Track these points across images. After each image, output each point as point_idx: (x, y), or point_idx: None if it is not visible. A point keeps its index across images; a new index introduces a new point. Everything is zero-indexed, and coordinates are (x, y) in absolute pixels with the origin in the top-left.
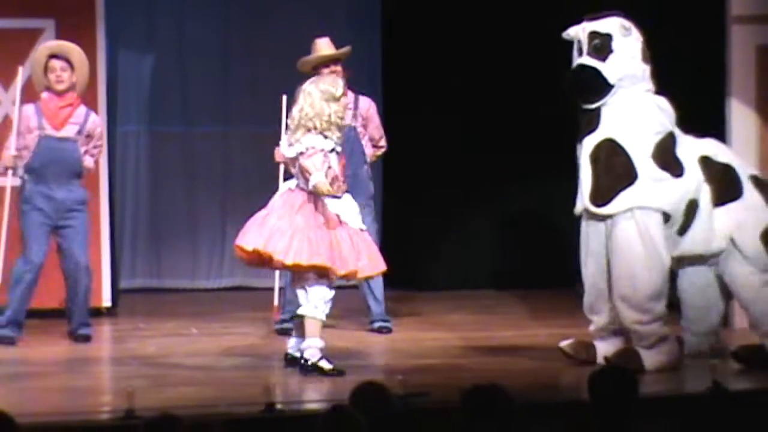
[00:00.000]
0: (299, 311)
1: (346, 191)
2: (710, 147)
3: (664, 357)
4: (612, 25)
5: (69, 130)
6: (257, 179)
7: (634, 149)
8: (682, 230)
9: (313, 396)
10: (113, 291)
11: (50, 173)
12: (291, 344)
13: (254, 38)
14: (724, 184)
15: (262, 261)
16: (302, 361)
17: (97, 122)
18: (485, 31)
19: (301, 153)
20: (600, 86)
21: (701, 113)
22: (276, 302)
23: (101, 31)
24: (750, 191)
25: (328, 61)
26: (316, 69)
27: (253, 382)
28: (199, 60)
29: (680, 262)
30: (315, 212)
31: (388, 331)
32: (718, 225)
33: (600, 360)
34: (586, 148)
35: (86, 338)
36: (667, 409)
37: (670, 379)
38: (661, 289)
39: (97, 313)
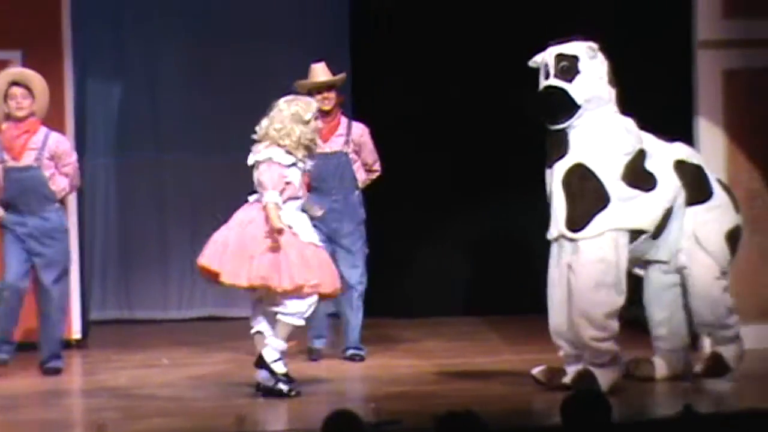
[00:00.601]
0: (277, 315)
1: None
2: (683, 150)
3: (616, 375)
4: (579, 47)
5: (28, 158)
6: (228, 208)
7: (604, 173)
8: (657, 234)
9: (285, 425)
10: (83, 322)
11: (21, 204)
12: (261, 374)
13: (224, 66)
14: (696, 186)
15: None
16: (260, 361)
17: (59, 141)
18: (456, 53)
19: (259, 162)
20: (567, 107)
21: (671, 136)
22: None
23: (68, 62)
24: (719, 193)
25: (321, 88)
26: (310, 93)
27: (225, 412)
28: (168, 89)
29: (647, 263)
30: (265, 224)
31: (361, 359)
32: (685, 225)
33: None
34: (557, 173)
35: (56, 371)
36: None
37: (642, 403)
38: (619, 308)
39: (68, 345)
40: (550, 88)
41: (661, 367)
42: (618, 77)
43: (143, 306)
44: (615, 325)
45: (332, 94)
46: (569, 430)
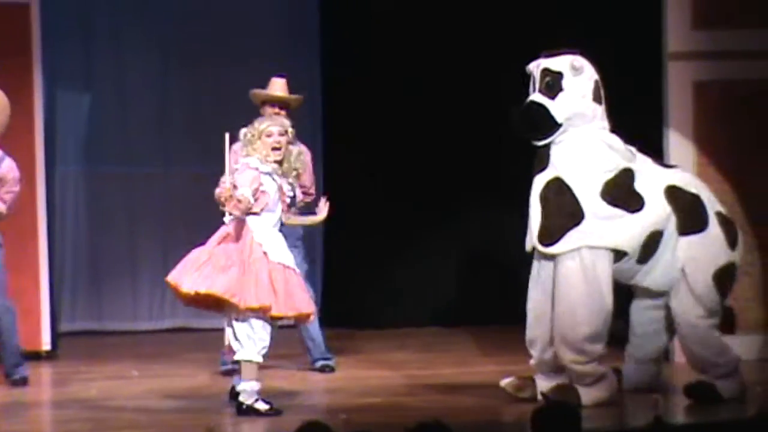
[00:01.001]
0: (236, 356)
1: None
2: (680, 177)
3: (602, 393)
4: (564, 63)
5: None
6: (198, 219)
7: (581, 188)
8: (643, 259)
9: None
10: (53, 334)
11: None
12: (237, 379)
13: (194, 77)
14: (690, 215)
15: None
16: (238, 404)
17: (10, 167)
18: (432, 65)
19: (235, 170)
20: (547, 124)
21: (641, 147)
22: (227, 342)
23: (38, 73)
24: (714, 226)
25: (273, 102)
26: (263, 104)
27: (196, 424)
28: (138, 99)
29: (635, 290)
30: (237, 241)
31: (331, 369)
32: (679, 254)
33: (539, 396)
34: (536, 186)
35: (23, 380)
36: None
37: (612, 414)
38: (601, 331)
39: (37, 356)
40: (533, 104)
41: (628, 378)
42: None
43: (113, 317)
44: (596, 348)
45: (284, 112)
46: None
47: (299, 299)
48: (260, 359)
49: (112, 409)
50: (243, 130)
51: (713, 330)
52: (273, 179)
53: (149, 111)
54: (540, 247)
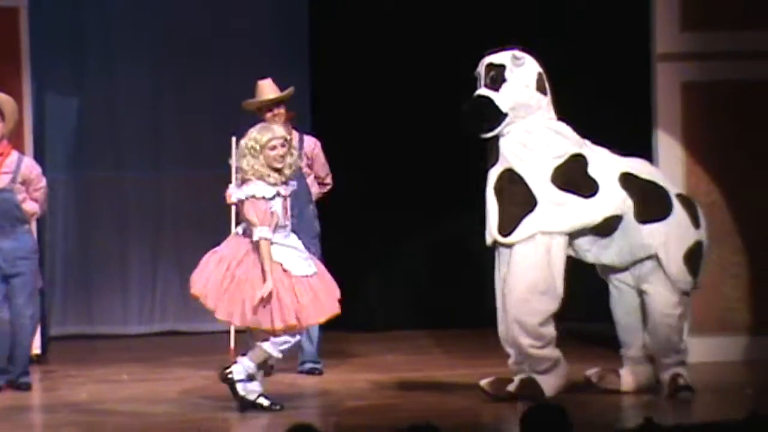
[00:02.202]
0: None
1: (293, 232)
2: (634, 164)
3: (560, 380)
4: (505, 56)
5: (2, 180)
6: (188, 222)
7: (531, 176)
8: (605, 233)
9: None
10: (43, 338)
11: None
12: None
13: (184, 81)
14: (652, 202)
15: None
16: (241, 398)
17: (31, 166)
18: (413, 67)
19: (242, 201)
20: (493, 114)
21: (630, 148)
22: (232, 345)
23: (27, 79)
24: (678, 210)
25: (270, 104)
26: (260, 111)
27: (186, 427)
28: (127, 104)
29: (603, 270)
30: (255, 264)
31: (320, 373)
32: (646, 241)
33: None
34: (490, 180)
35: (27, 386)
36: None
37: (604, 415)
38: (552, 314)
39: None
40: (478, 98)
41: (627, 380)
42: (578, 92)
43: (103, 321)
44: (550, 331)
45: (281, 110)
46: None
47: (326, 304)
48: (279, 355)
49: (102, 413)
50: (243, 142)
51: (682, 319)
52: (279, 197)
53: (138, 116)
54: (499, 238)
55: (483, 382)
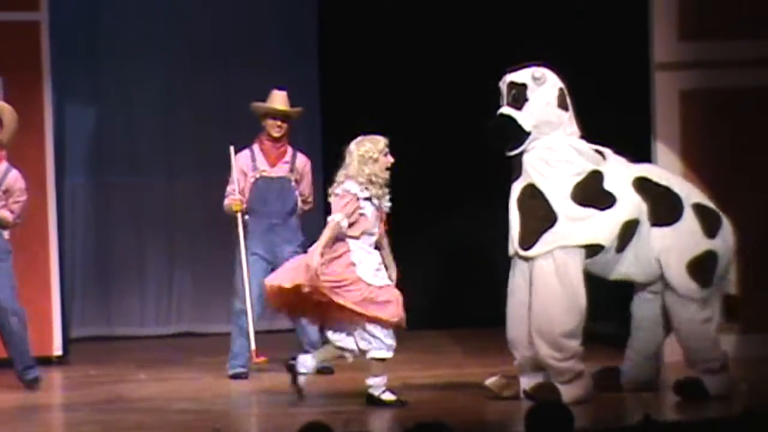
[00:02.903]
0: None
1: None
2: (649, 169)
3: (581, 391)
4: (526, 74)
5: None
6: (203, 226)
7: (552, 192)
8: (621, 248)
9: None
10: (64, 340)
11: None
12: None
13: (196, 90)
14: (664, 206)
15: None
16: (368, 395)
17: (16, 178)
18: (424, 71)
19: (334, 194)
20: (517, 134)
21: (629, 157)
22: (253, 346)
23: (48, 87)
24: (689, 217)
25: (275, 115)
26: (264, 117)
27: (202, 425)
28: (143, 112)
29: (636, 286)
30: (335, 261)
31: (330, 372)
32: (652, 243)
33: (522, 394)
34: (513, 194)
35: (35, 380)
36: None
37: (604, 412)
38: (577, 328)
39: (48, 361)
40: (501, 117)
41: (627, 376)
42: (577, 99)
43: (122, 323)
44: (573, 344)
45: (285, 124)
46: None
47: (387, 309)
48: (390, 355)
49: (120, 411)
50: (357, 153)
51: (706, 323)
52: (372, 203)
53: (154, 123)
54: (521, 251)
55: (488, 381)
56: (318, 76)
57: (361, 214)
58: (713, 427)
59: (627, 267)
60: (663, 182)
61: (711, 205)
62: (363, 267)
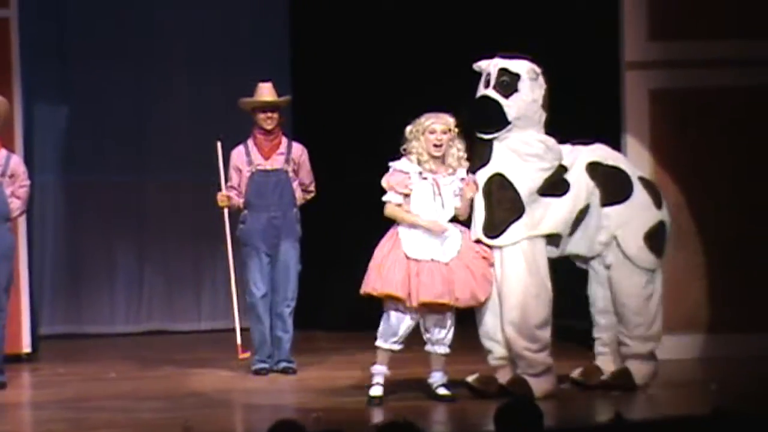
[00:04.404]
0: (442, 350)
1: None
2: (598, 152)
3: (550, 386)
4: (522, 66)
5: None
6: (173, 225)
7: (522, 185)
8: (571, 232)
9: None
10: (33, 337)
11: None
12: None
13: (167, 87)
14: (614, 186)
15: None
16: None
17: (19, 162)
18: (397, 73)
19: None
20: (498, 120)
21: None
22: (239, 341)
23: (17, 85)
24: (638, 191)
25: (264, 107)
26: (254, 111)
27: (172, 423)
28: (112, 110)
29: (576, 259)
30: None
31: (293, 372)
32: (605, 223)
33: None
34: (479, 180)
35: (1, 385)
36: None
37: (574, 410)
38: (548, 317)
39: (17, 359)
40: (487, 99)
41: (607, 369)
42: (549, 97)
43: (91, 320)
44: (546, 334)
45: (275, 114)
46: None
47: (437, 287)
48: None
49: (90, 410)
50: (408, 128)
51: (650, 298)
52: (422, 178)
53: (123, 121)
54: (485, 239)
55: (470, 379)
56: (290, 71)
57: (409, 189)
58: (683, 426)
59: (574, 246)
60: (611, 162)
61: (648, 176)
62: (407, 244)
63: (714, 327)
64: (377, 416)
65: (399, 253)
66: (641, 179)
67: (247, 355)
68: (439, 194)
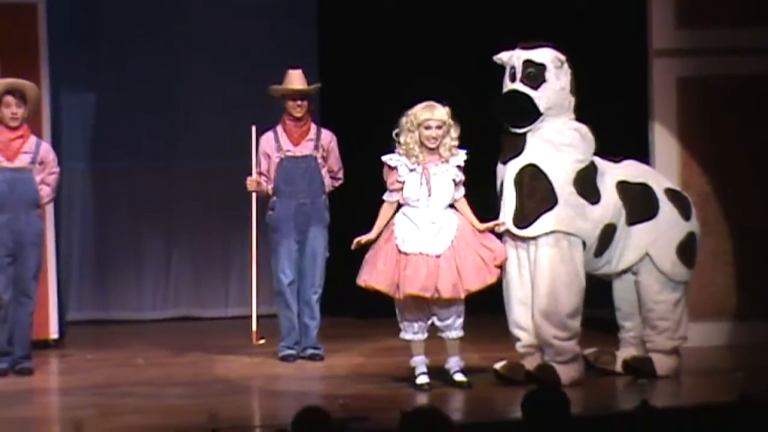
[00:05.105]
0: (453, 335)
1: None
2: (628, 170)
3: (577, 374)
4: (546, 55)
5: (23, 160)
6: (201, 211)
7: (556, 176)
8: (599, 252)
9: (257, 421)
10: (60, 323)
11: (10, 204)
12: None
13: (196, 75)
14: (641, 204)
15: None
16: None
17: (49, 149)
18: (421, 63)
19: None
20: (530, 113)
21: (627, 141)
22: (255, 327)
23: (45, 71)
24: (665, 207)
25: (294, 95)
26: (283, 98)
27: (199, 410)
28: (141, 97)
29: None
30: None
31: (321, 358)
32: (634, 242)
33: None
34: (511, 171)
35: (29, 371)
36: (599, 428)
37: (601, 398)
38: (579, 308)
39: (45, 345)
40: (516, 93)
41: (621, 361)
42: (576, 85)
43: (119, 307)
44: (576, 323)
45: (305, 102)
46: (530, 423)
47: (427, 281)
48: (406, 338)
49: (117, 395)
50: (404, 118)
51: (677, 304)
52: (415, 172)
53: (152, 108)
54: (514, 230)
55: (497, 366)
56: (317, 57)
57: (402, 182)
58: (710, 413)
59: (603, 268)
60: (639, 180)
61: (677, 187)
62: (401, 236)
63: (741, 314)
64: (405, 403)
65: (391, 246)
66: (668, 191)
67: (262, 341)
68: (427, 183)
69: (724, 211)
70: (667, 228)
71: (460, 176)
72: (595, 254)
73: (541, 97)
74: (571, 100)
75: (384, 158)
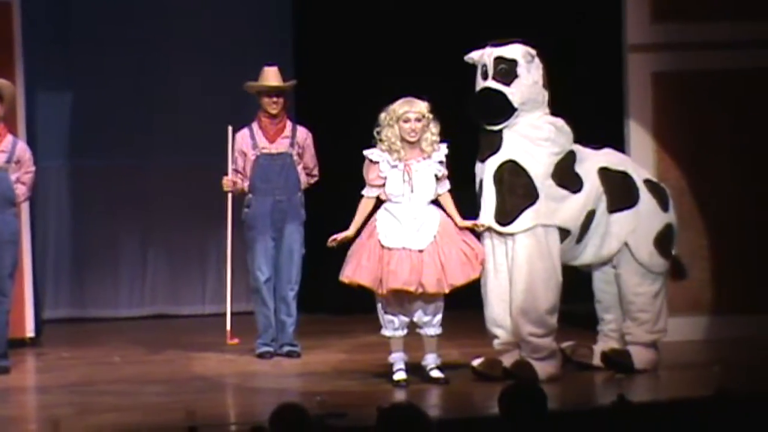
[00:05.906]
0: (432, 332)
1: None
2: (608, 157)
3: (554, 369)
4: (517, 51)
5: None
6: (176, 209)
7: (535, 170)
8: (580, 239)
9: (234, 418)
10: (37, 321)
11: None
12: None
13: (172, 71)
14: (621, 192)
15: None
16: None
17: (25, 148)
18: (397, 59)
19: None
20: (505, 109)
21: (603, 136)
22: (228, 326)
23: (20, 70)
24: (645, 196)
25: (269, 92)
26: (259, 94)
27: (176, 407)
28: (117, 94)
29: (585, 267)
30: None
31: (297, 355)
32: (614, 230)
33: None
34: (489, 168)
35: (5, 370)
36: (576, 423)
37: (578, 393)
38: (556, 304)
39: (21, 343)
40: (489, 90)
41: (599, 355)
42: (551, 80)
43: (95, 305)
44: (553, 321)
45: (281, 99)
46: (507, 419)
47: (410, 275)
48: (386, 334)
49: (94, 393)
50: (383, 114)
51: (656, 296)
52: (397, 168)
53: (128, 105)
54: (497, 227)
55: (475, 363)
56: (292, 53)
57: (383, 177)
58: (687, 407)
59: (584, 257)
60: (620, 168)
61: (654, 178)
62: (383, 232)
63: (717, 308)
64: (382, 399)
65: (374, 242)
66: (647, 182)
67: (235, 342)
68: (409, 180)
69: (699, 206)
70: (645, 218)
71: (443, 171)
72: (577, 240)
73: (514, 92)
74: (544, 95)
75: (366, 152)
